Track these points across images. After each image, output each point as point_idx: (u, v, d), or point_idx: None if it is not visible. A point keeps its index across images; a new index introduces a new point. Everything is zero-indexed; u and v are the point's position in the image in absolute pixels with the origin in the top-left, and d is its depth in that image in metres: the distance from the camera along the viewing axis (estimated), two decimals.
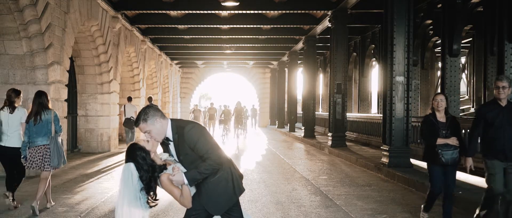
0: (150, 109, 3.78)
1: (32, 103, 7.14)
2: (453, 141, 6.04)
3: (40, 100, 7.10)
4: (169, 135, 3.80)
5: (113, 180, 10.13)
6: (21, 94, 7.49)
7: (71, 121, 14.58)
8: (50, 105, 7.24)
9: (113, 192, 8.71)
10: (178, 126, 3.78)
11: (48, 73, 10.60)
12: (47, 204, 7.44)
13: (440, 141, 6.03)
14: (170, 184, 3.67)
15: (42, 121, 7.02)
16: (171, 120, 3.83)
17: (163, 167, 3.73)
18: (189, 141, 3.71)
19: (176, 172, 3.66)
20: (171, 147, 3.84)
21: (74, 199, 8.17)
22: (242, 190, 3.93)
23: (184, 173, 3.68)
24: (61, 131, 7.30)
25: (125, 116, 15.35)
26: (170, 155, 3.89)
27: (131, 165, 3.68)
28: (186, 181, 3.66)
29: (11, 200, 7.19)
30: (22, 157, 7.07)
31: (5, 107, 7.25)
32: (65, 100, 11.88)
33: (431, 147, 6.12)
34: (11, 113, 7.20)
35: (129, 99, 16.51)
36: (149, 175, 3.67)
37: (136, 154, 3.67)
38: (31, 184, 9.18)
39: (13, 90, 7.35)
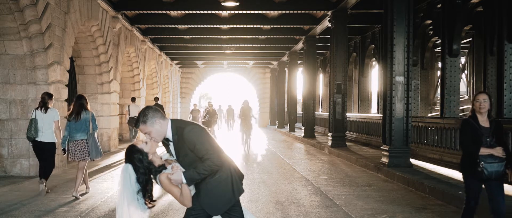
0: (149, 110, 3.77)
1: (73, 104, 8.36)
2: (498, 151, 5.08)
3: (80, 102, 8.33)
4: (169, 135, 3.80)
5: (113, 180, 10.14)
6: (54, 97, 8.66)
7: None
8: (88, 107, 8.41)
9: (113, 192, 8.71)
10: (178, 126, 3.77)
11: (48, 73, 10.61)
12: (86, 190, 8.55)
13: (483, 151, 5.09)
14: (170, 184, 3.68)
15: (81, 119, 8.21)
16: (171, 120, 3.82)
17: (162, 167, 3.74)
18: (188, 142, 3.71)
19: (175, 171, 3.67)
20: (171, 147, 3.84)
21: (74, 199, 8.17)
22: (241, 191, 3.91)
23: (183, 172, 3.68)
24: (97, 128, 8.49)
25: (129, 115, 16.69)
26: (171, 155, 3.90)
27: (129, 167, 3.70)
28: (184, 180, 3.67)
29: (44, 186, 8.33)
30: (62, 148, 8.34)
31: (39, 108, 8.38)
32: (65, 100, 11.87)
33: (471, 156, 5.19)
34: (45, 113, 8.33)
35: (133, 100, 18.10)
36: (146, 178, 3.69)
37: (133, 156, 3.69)
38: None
39: (47, 93, 8.53)
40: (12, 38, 10.22)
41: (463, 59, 25.32)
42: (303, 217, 6.95)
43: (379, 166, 11.25)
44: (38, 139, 8.31)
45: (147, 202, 3.73)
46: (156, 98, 19.11)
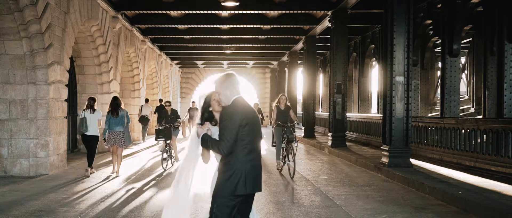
0: (232, 78, 4.21)
1: (111, 105, 10.77)
2: None
3: (116, 102, 10.79)
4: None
5: (113, 180, 10.14)
6: (97, 100, 11.01)
7: (71, 121, 14.56)
8: (122, 106, 10.89)
9: (113, 192, 8.72)
10: (233, 103, 4.13)
11: (48, 73, 10.60)
12: (115, 174, 10.82)
13: None
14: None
15: (119, 116, 10.68)
16: (238, 98, 4.17)
17: (210, 120, 4.33)
18: (221, 116, 4.11)
19: (204, 128, 4.19)
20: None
21: (74, 199, 8.18)
22: (225, 193, 4.05)
23: (204, 134, 4.13)
24: (130, 122, 11.10)
25: (141, 114, 19.26)
26: None
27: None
28: (200, 137, 4.14)
29: (90, 171, 10.73)
30: (103, 138, 10.86)
31: (88, 109, 10.72)
32: (65, 100, 11.88)
33: None
34: (92, 113, 10.71)
35: (146, 101, 20.66)
36: (204, 116, 4.39)
37: (205, 103, 4.41)
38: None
39: (92, 98, 10.89)
40: (12, 38, 10.22)
41: (463, 59, 25.32)
42: (303, 217, 6.95)
43: (379, 166, 11.25)
44: (86, 133, 10.62)
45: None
46: (160, 100, 20.76)
